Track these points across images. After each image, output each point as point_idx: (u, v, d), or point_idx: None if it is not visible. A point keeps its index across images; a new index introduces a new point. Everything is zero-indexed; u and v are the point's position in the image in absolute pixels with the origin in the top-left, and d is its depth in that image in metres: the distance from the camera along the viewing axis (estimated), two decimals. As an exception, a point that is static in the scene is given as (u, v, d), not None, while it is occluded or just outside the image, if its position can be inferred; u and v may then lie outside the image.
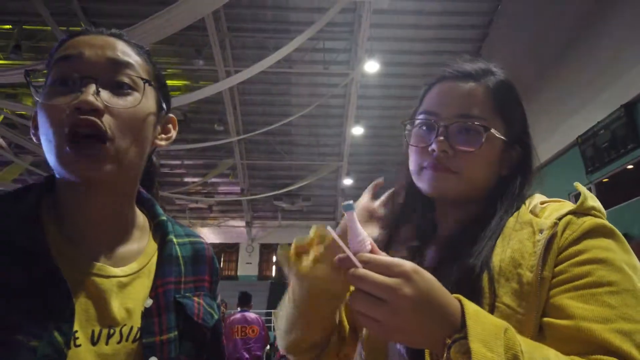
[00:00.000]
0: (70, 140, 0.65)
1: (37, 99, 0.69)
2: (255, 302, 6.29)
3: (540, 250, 0.70)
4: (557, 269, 0.70)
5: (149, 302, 0.72)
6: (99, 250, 0.72)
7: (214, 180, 16.87)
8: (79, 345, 0.64)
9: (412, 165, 0.88)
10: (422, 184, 0.85)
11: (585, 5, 8.66)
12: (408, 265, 0.58)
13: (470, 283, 0.71)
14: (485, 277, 0.71)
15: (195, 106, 12.71)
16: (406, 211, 0.93)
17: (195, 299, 0.80)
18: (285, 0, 10.57)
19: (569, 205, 0.76)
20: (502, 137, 0.83)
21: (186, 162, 16.22)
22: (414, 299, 0.56)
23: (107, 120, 0.66)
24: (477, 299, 0.68)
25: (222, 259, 21.59)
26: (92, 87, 0.66)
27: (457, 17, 11.06)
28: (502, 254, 0.74)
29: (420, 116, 0.87)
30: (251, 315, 5.68)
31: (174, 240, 0.82)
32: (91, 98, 0.65)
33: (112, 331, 0.68)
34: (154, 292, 0.74)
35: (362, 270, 0.58)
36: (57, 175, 0.71)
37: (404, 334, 0.58)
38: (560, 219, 0.73)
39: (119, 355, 0.68)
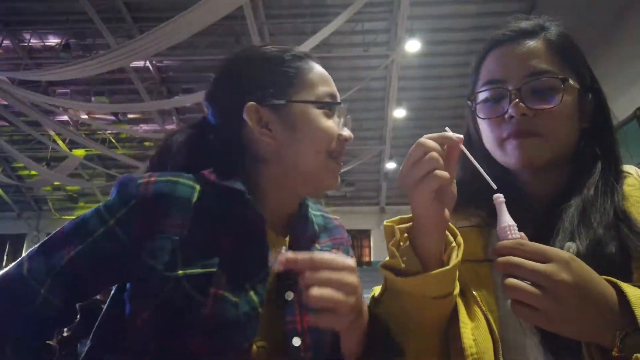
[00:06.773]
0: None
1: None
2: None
3: None
4: None
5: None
6: (278, 226, 0.83)
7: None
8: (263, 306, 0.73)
9: (488, 141, 0.82)
10: (507, 157, 0.79)
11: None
12: (564, 253, 0.57)
13: (606, 258, 0.65)
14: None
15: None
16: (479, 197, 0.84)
17: (334, 250, 0.90)
18: (322, -17, 10.45)
19: None
20: (577, 86, 0.78)
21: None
22: (573, 285, 0.54)
23: None
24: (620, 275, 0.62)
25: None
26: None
27: (501, -11, 10.57)
28: None
29: (483, 88, 0.82)
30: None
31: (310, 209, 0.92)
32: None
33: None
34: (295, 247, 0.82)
35: (517, 259, 0.57)
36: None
37: (569, 322, 0.55)
38: None
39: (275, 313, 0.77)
